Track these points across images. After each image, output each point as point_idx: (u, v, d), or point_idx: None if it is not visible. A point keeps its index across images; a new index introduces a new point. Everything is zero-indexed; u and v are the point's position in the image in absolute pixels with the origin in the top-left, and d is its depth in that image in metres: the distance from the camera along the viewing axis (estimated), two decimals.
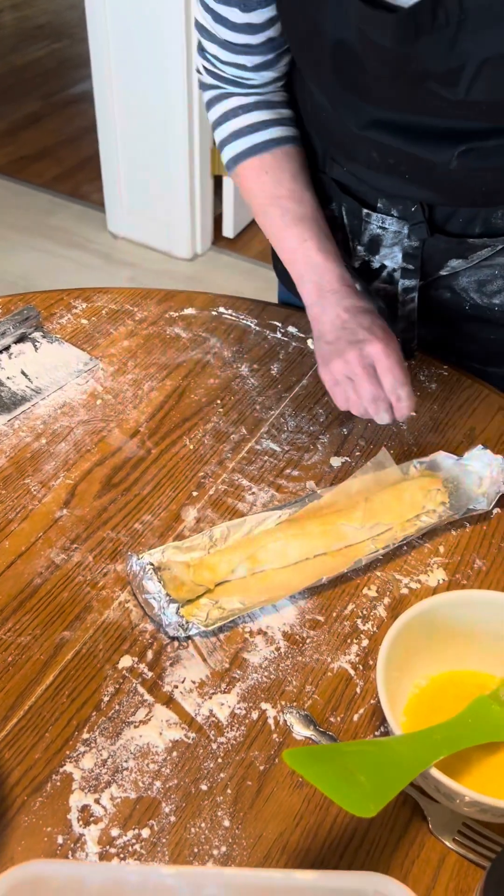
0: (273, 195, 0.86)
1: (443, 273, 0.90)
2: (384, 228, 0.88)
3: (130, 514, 0.80)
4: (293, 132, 0.89)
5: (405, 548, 0.77)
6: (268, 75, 0.85)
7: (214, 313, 1.04)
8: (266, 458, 0.86)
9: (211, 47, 0.83)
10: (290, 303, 1.11)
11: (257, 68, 0.83)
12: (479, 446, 0.82)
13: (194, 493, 0.82)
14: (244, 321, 1.03)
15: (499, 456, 0.81)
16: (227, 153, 0.89)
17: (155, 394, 0.93)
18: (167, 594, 0.69)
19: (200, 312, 1.04)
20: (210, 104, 0.90)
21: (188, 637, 0.69)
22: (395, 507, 0.78)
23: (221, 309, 1.05)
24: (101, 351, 0.98)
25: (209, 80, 0.88)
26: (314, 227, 0.86)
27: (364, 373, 0.78)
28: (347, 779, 0.48)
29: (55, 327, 1.01)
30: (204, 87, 0.90)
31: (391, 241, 0.89)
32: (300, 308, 1.09)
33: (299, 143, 0.89)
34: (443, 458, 0.83)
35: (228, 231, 2.79)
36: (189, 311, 1.04)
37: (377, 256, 0.91)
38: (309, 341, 1.01)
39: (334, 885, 0.37)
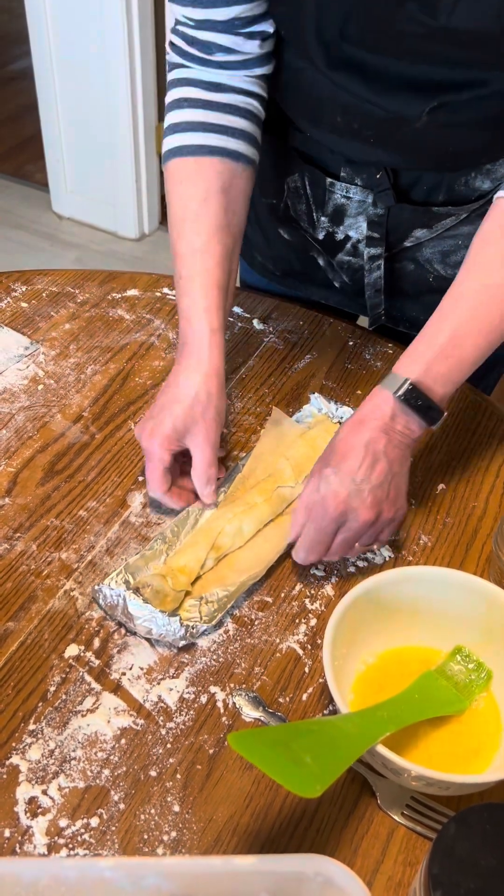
0: (179, 216, 0.80)
1: (407, 244, 0.89)
2: (348, 198, 0.87)
3: (75, 500, 0.78)
4: (234, 144, 0.80)
5: None
6: (240, 45, 0.78)
7: (158, 294, 1.02)
8: None
9: (182, 10, 0.77)
10: (248, 280, 1.10)
11: (229, 28, 0.76)
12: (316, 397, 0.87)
13: (140, 479, 0.81)
14: None
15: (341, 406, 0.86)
16: (163, 147, 0.83)
17: (98, 377, 0.91)
18: (161, 611, 0.66)
19: (144, 294, 1.02)
20: (168, 87, 0.84)
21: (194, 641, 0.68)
22: (314, 455, 0.80)
23: (165, 290, 1.03)
24: (42, 334, 0.96)
25: (175, 57, 0.82)
26: (200, 266, 0.78)
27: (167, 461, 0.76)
28: (293, 760, 0.48)
29: None
30: (169, 67, 0.84)
31: (355, 210, 0.88)
32: (247, 287, 1.08)
33: (237, 158, 0.80)
34: (319, 399, 0.87)
35: None
36: (132, 292, 1.03)
37: (341, 227, 0.90)
38: (255, 321, 1.00)
39: (275, 869, 0.37)
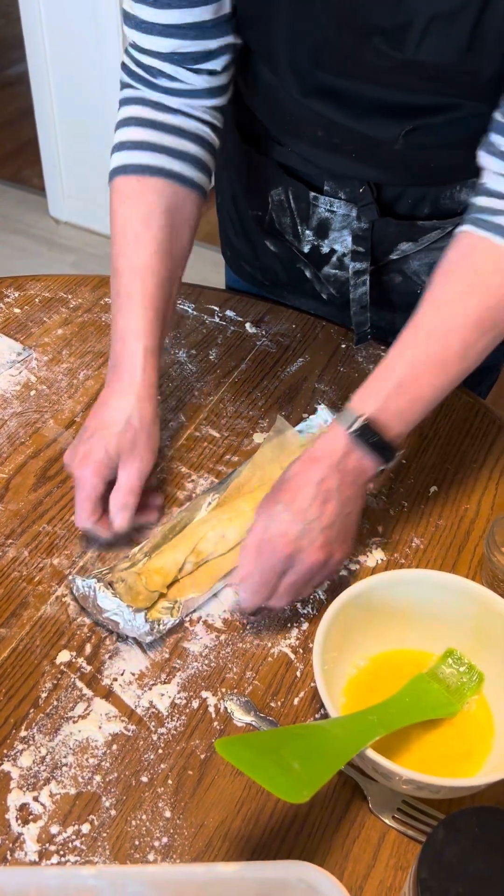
0: (120, 233, 0.77)
1: (393, 257, 0.89)
2: (332, 212, 0.87)
3: (67, 506, 0.78)
4: (180, 167, 0.77)
5: None
6: (184, 76, 0.75)
7: None
8: (206, 444, 0.85)
9: (128, 31, 0.76)
10: (238, 288, 1.09)
11: (170, 59, 0.74)
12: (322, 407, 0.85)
13: None
14: (181, 306, 1.02)
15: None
16: (109, 165, 0.81)
17: (91, 382, 0.91)
18: (128, 605, 0.66)
19: None
20: (118, 106, 0.81)
21: (163, 637, 0.68)
22: None
23: None
24: (34, 340, 0.96)
25: (124, 77, 0.80)
26: (139, 286, 0.75)
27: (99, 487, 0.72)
28: (280, 765, 0.48)
29: None
30: (120, 86, 0.82)
31: (340, 224, 0.88)
32: (239, 291, 1.08)
33: (182, 181, 0.78)
34: (325, 411, 0.85)
35: None
36: None
37: (326, 241, 0.90)
38: (247, 324, 1.00)
39: (257, 876, 0.37)
